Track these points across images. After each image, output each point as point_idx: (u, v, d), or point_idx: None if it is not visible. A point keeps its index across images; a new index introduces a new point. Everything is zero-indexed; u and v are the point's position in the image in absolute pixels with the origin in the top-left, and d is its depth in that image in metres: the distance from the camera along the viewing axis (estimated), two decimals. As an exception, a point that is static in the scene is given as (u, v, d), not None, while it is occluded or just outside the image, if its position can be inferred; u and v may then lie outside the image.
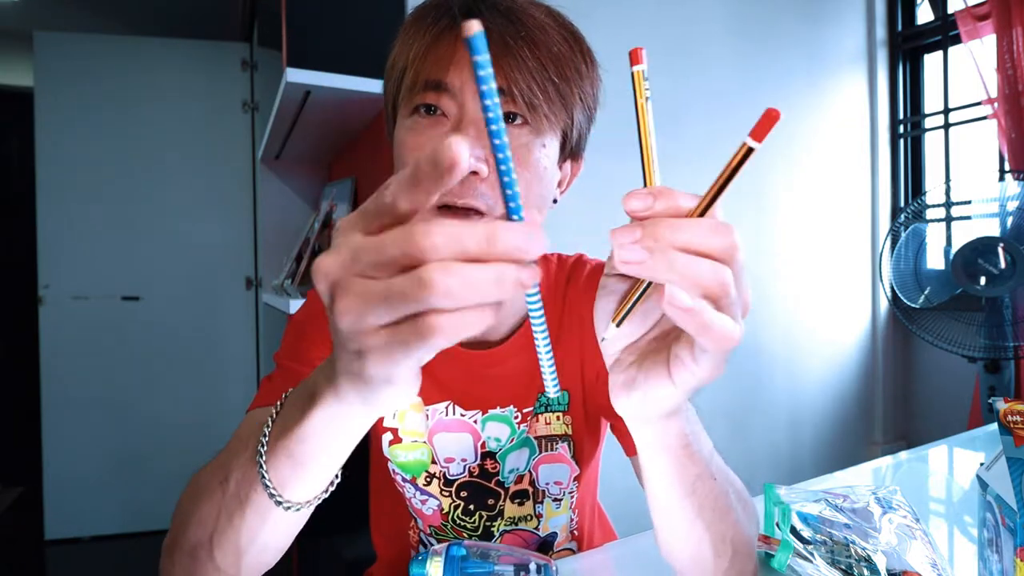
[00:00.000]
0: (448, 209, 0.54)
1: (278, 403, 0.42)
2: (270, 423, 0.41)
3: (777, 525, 0.62)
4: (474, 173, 0.53)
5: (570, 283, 0.71)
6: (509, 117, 0.56)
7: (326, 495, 0.42)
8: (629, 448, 0.64)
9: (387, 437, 0.69)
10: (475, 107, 0.54)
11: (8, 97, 3.66)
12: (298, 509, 0.41)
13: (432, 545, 0.70)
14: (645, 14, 2.10)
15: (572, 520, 0.75)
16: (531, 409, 0.69)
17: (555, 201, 0.64)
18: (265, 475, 0.40)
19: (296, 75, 1.30)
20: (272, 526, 0.42)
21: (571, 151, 0.62)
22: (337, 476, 0.42)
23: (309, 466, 0.39)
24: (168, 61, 2.64)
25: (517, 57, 0.53)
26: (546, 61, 0.55)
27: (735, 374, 2.28)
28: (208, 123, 2.68)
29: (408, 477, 0.70)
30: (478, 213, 0.54)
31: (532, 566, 0.57)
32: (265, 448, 0.40)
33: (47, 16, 3.34)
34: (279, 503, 0.40)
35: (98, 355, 2.56)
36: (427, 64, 0.55)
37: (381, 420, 0.69)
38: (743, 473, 0.51)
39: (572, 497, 0.73)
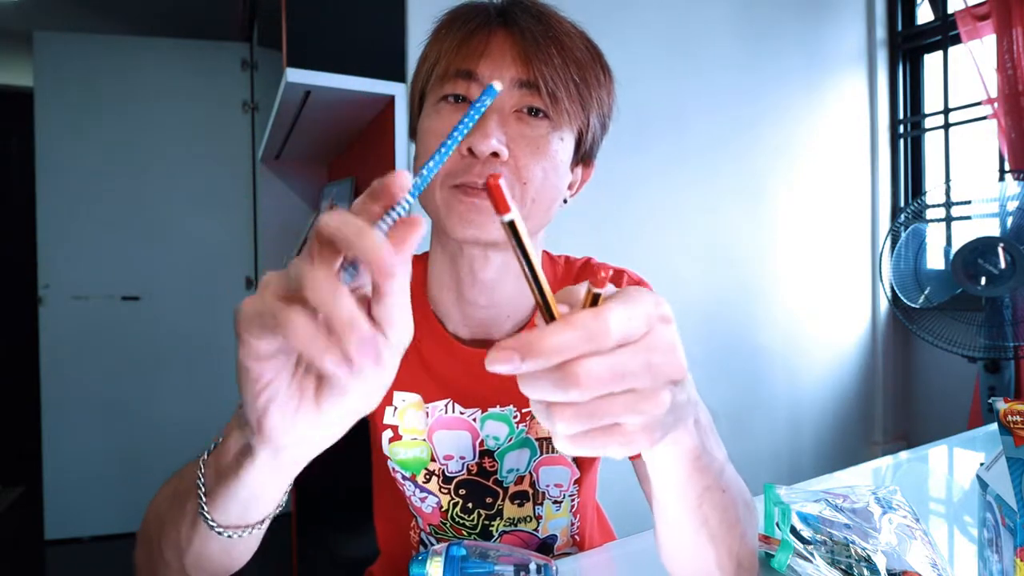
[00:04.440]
0: (467, 187, 0.57)
1: (234, 415, 0.41)
2: (219, 437, 0.41)
3: (777, 525, 0.62)
4: (495, 155, 0.56)
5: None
6: (531, 111, 0.59)
7: (258, 530, 0.40)
8: None
9: (387, 435, 0.69)
10: (500, 96, 0.58)
11: (8, 97, 3.65)
12: (221, 533, 0.39)
13: (433, 545, 0.70)
14: (647, 16, 2.10)
15: (573, 524, 0.75)
16: (531, 410, 0.69)
17: (565, 201, 0.66)
18: (201, 485, 0.39)
19: (296, 75, 1.30)
20: (204, 541, 0.41)
21: (584, 155, 0.65)
22: (266, 521, 0.41)
23: (232, 492, 0.38)
24: (168, 61, 2.64)
25: (545, 53, 0.58)
26: (569, 62, 0.59)
27: (735, 374, 2.28)
28: (208, 123, 2.67)
29: (408, 475, 0.70)
30: None
31: (532, 566, 0.57)
32: (204, 466, 0.40)
33: (47, 16, 3.34)
34: (205, 519, 0.39)
35: (98, 355, 2.55)
36: (459, 55, 0.59)
37: (382, 418, 0.69)
38: (743, 473, 0.50)
39: (573, 500, 0.73)
